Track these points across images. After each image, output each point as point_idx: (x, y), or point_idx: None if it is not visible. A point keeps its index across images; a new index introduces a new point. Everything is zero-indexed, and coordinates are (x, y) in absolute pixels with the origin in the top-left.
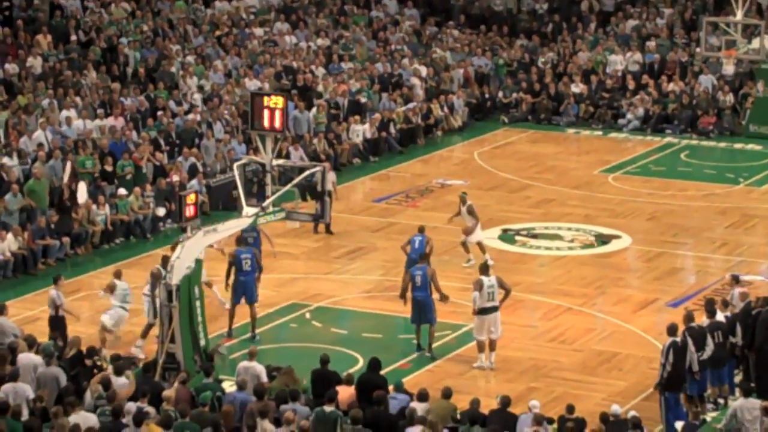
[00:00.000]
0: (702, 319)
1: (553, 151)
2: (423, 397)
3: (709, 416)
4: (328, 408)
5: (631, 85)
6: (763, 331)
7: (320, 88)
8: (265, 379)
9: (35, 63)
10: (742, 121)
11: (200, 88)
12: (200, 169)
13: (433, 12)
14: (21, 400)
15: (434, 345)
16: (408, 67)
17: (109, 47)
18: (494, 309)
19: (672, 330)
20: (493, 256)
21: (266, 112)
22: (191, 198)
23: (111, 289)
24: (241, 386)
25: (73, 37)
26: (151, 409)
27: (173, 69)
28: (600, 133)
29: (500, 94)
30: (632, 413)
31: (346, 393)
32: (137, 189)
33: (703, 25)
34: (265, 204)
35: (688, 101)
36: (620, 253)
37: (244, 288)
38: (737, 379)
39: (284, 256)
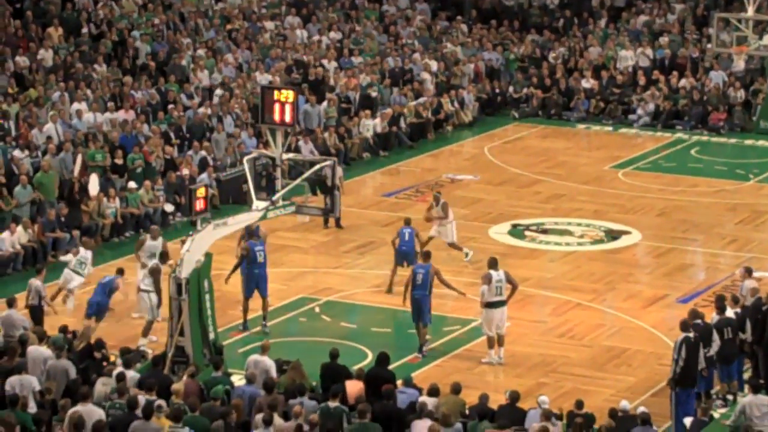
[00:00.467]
0: (712, 316)
1: (563, 147)
2: (434, 392)
3: (717, 412)
4: (333, 404)
5: (642, 80)
6: None
7: (331, 82)
8: (274, 373)
9: (46, 56)
10: (753, 117)
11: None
12: (210, 162)
13: (444, 6)
14: (27, 392)
15: (442, 341)
16: (419, 61)
17: (120, 40)
18: (502, 303)
19: (685, 326)
20: (503, 251)
21: (277, 106)
22: (201, 191)
23: (75, 254)
24: (250, 380)
25: (84, 30)
26: (162, 402)
27: (184, 62)
28: (610, 128)
29: (511, 89)
30: (641, 409)
31: (355, 387)
32: (147, 182)
33: (714, 21)
34: (275, 198)
35: (699, 97)
36: (630, 249)
37: (257, 280)
38: (746, 375)
39: (294, 250)
